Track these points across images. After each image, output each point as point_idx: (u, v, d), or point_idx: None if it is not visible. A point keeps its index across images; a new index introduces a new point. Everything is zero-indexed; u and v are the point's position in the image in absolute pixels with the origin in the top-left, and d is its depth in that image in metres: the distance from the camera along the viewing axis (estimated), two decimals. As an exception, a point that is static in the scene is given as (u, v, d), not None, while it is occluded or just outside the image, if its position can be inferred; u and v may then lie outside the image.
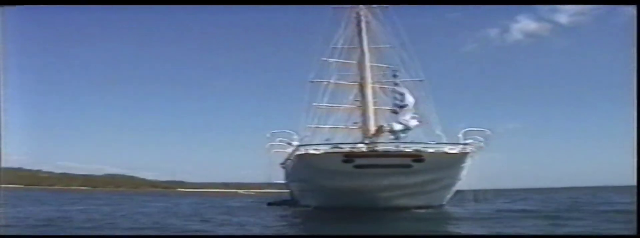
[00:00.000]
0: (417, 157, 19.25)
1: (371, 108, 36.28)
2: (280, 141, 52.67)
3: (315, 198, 27.20)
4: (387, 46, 36.55)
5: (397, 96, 17.45)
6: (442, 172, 20.22)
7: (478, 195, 29.03)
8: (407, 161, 19.58)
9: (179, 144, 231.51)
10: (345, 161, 19.81)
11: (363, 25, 36.26)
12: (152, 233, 14.54)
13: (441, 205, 25.41)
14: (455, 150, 19.55)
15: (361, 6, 36.07)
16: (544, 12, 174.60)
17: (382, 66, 37.61)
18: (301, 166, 22.70)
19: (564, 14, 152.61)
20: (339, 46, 53.11)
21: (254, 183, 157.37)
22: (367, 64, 36.13)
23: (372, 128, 35.75)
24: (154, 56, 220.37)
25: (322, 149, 20.77)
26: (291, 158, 31.58)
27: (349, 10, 37.24)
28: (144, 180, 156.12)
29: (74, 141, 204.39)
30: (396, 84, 18.04)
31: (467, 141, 19.56)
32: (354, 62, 55.83)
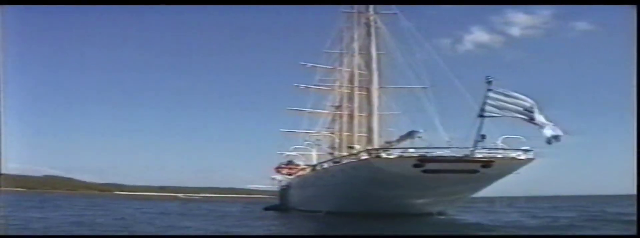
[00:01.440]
0: (488, 162, 19.24)
1: (376, 113, 35.94)
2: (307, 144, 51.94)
3: (334, 203, 26.71)
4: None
5: (515, 100, 16.96)
6: (495, 179, 20.37)
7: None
8: (476, 166, 19.55)
9: (118, 146, 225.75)
10: (415, 166, 19.47)
11: (372, 30, 36.05)
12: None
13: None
14: (522, 156, 19.66)
15: (371, 11, 35.84)
16: (498, 24, 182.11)
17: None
18: (352, 170, 22.08)
19: (517, 27, 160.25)
20: (337, 50, 53.42)
21: (198, 188, 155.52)
22: (374, 68, 35.87)
23: (375, 134, 35.65)
24: (91, 56, 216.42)
25: (395, 153, 20.21)
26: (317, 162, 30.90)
27: (357, 14, 37.11)
28: (81, 182, 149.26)
29: (12, 142, 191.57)
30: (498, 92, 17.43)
31: (526, 148, 19.70)
32: (344, 69, 56.21)
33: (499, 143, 20.30)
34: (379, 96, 36.27)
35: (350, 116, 47.30)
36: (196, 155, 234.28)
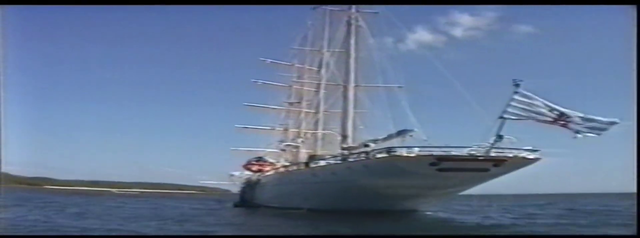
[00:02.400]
0: (499, 161, 19.76)
1: (351, 111, 36.02)
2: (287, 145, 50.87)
3: (319, 201, 26.61)
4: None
5: (539, 104, 17.27)
6: (497, 176, 21.00)
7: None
8: (489, 165, 20.02)
9: (47, 140, 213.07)
10: (432, 164, 19.64)
11: (353, 29, 36.18)
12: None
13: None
14: (531, 155, 20.35)
15: (353, 10, 35.98)
16: (442, 25, 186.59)
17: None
18: (364, 169, 21.89)
19: (460, 28, 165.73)
20: (304, 47, 53.02)
21: (133, 183, 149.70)
22: (352, 66, 35.96)
23: (350, 132, 35.74)
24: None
25: (414, 152, 20.16)
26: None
27: (338, 13, 37.15)
28: (8, 174, 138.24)
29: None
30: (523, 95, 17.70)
31: (533, 148, 20.33)
32: (306, 66, 55.93)
33: (490, 142, 20.60)
34: (355, 94, 36.27)
35: (315, 113, 47.16)
36: (129, 149, 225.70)
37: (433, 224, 21.34)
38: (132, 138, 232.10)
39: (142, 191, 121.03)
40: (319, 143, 46.10)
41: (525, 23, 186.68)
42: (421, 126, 29.28)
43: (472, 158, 19.34)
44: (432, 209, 27.18)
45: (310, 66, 54.92)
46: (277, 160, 49.30)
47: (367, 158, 22.02)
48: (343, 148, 34.87)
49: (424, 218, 23.96)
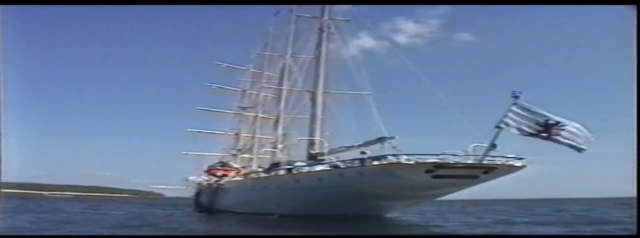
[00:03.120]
0: (489, 169, 20.36)
1: (319, 117, 36.11)
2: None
3: (293, 206, 26.52)
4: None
5: (535, 117, 17.77)
6: (482, 182, 21.64)
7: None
8: (478, 172, 20.56)
9: None
10: (428, 171, 19.93)
11: (325, 35, 36.42)
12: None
13: None
14: (518, 163, 21.09)
15: (325, 17, 36.24)
16: (386, 31, 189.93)
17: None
18: (357, 175, 21.88)
19: (404, 35, 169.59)
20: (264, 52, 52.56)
21: (65, 185, 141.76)
22: (322, 73, 36.15)
23: (317, 136, 35.79)
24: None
25: (413, 159, 20.32)
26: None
27: (311, 19, 37.23)
28: None
29: None
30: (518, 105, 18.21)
31: (515, 156, 21.11)
32: (266, 72, 55.45)
33: (470, 150, 21.34)
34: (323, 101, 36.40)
35: (276, 120, 46.75)
36: (60, 152, 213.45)
37: (410, 228, 22.00)
38: (64, 141, 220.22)
39: (77, 195, 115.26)
40: (279, 148, 45.76)
41: (466, 31, 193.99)
42: (389, 133, 29.88)
43: (467, 166, 19.90)
44: (409, 214, 27.95)
45: (269, 71, 54.57)
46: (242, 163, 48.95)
47: (362, 165, 22.07)
48: (311, 154, 34.87)
49: (399, 222, 24.73)
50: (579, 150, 17.55)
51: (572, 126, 17.53)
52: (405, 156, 20.23)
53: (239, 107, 62.11)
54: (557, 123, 17.51)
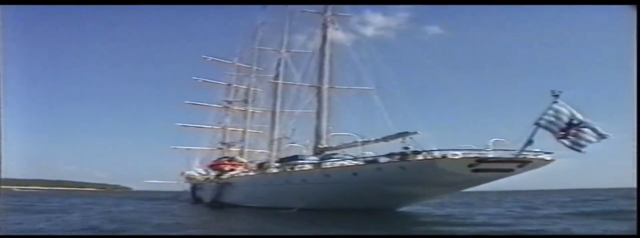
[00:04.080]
0: (524, 163, 21.43)
1: (325, 112, 36.67)
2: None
3: (314, 201, 27.05)
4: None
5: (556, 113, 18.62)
6: (513, 175, 22.78)
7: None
8: (514, 166, 21.63)
9: None
10: (470, 165, 20.77)
11: (329, 31, 37.00)
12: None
13: None
14: (548, 157, 22.22)
15: (329, 13, 36.83)
16: (353, 24, 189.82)
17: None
18: (399, 170, 22.52)
19: (371, 27, 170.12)
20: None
21: (31, 180, 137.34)
22: (327, 68, 36.70)
23: (325, 132, 36.38)
24: None
25: (459, 154, 21.07)
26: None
27: (314, 15, 37.65)
28: None
29: None
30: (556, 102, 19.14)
31: (549, 151, 22.15)
32: (254, 67, 55.38)
33: (490, 144, 22.38)
34: (329, 96, 36.94)
35: (273, 115, 46.93)
36: (25, 146, 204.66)
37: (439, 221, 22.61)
38: (32, 135, 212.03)
39: (48, 189, 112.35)
40: (275, 143, 46.09)
41: (434, 24, 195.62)
42: (397, 128, 30.76)
43: (507, 160, 20.88)
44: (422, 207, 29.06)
45: (259, 65, 54.65)
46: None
47: (402, 160, 22.66)
48: (318, 149, 35.42)
49: (417, 215, 25.71)
50: (578, 150, 18.67)
51: (589, 128, 18.56)
52: (451, 151, 20.99)
53: (225, 101, 61.99)
54: (580, 123, 18.56)
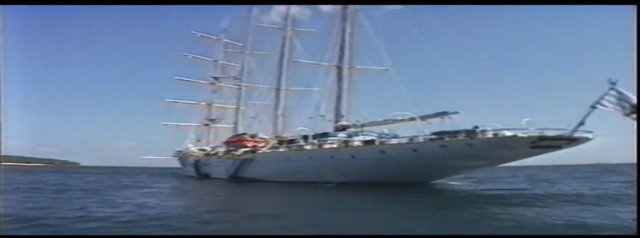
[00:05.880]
0: (573, 140, 23.76)
1: (346, 91, 38.12)
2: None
3: (354, 175, 28.74)
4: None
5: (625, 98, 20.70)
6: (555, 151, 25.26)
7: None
8: (563, 143, 23.77)
9: None
10: (532, 142, 22.92)
11: (349, 11, 38.28)
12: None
13: None
14: (591, 135, 24.65)
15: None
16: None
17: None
18: (466, 146, 24.20)
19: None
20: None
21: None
22: (347, 48, 38.04)
23: (345, 111, 37.83)
24: None
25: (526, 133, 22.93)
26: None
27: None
28: None
29: None
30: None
31: (589, 130, 24.54)
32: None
33: (523, 124, 24.64)
34: (350, 76, 38.27)
35: (278, 92, 47.75)
36: None
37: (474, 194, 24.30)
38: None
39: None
40: (280, 120, 47.08)
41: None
42: (416, 108, 32.61)
43: (561, 138, 23.16)
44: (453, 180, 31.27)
45: (254, 43, 55.15)
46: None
47: (469, 137, 24.29)
48: (339, 127, 36.83)
49: (450, 188, 27.02)
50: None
51: None
52: (520, 131, 23.04)
53: (213, 77, 61.80)
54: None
